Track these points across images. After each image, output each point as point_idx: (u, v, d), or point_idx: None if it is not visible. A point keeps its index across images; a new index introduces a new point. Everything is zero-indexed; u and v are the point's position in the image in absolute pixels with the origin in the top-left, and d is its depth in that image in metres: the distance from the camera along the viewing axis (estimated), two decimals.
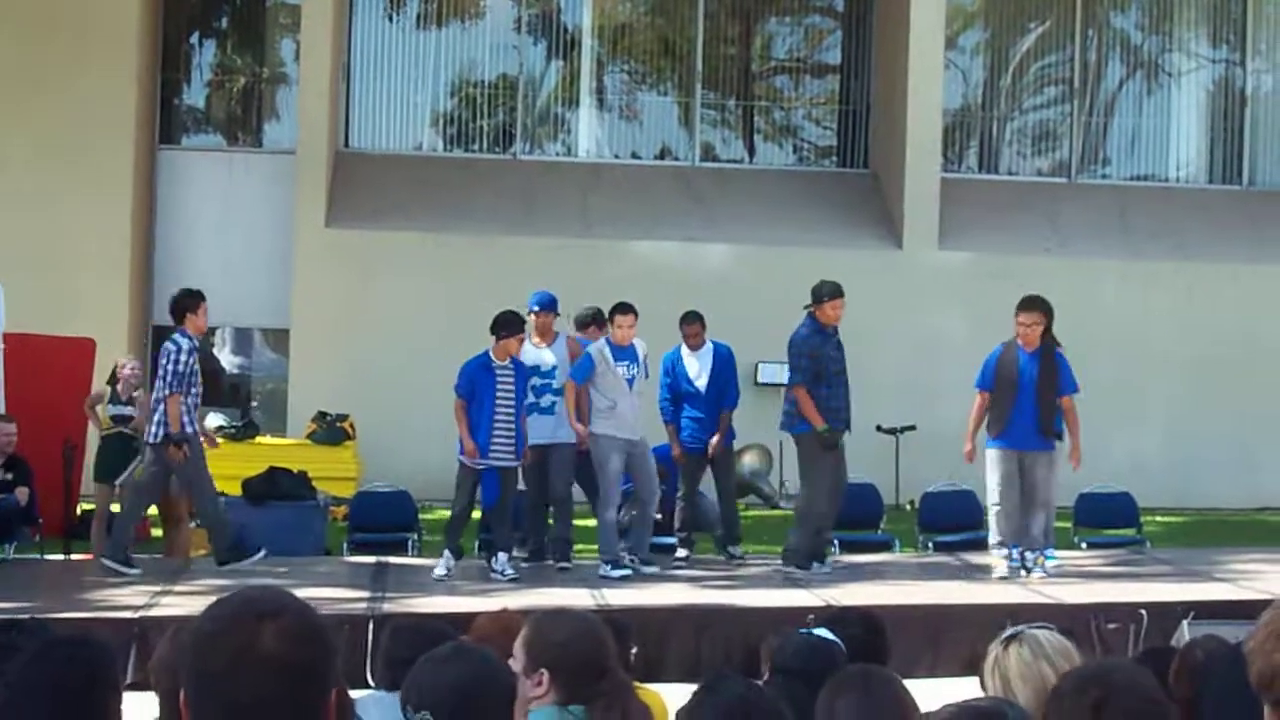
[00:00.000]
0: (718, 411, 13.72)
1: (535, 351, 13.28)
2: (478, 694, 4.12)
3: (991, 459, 12.93)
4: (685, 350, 13.77)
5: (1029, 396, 12.84)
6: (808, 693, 4.71)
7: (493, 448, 12.77)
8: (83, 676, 3.92)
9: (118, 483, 14.50)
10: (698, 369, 13.71)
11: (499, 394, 12.77)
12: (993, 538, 13.04)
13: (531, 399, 13.15)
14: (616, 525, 13.06)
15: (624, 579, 12.66)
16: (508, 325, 12.86)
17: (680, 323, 13.86)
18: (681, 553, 13.73)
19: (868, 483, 15.22)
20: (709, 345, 13.84)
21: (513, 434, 12.80)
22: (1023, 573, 12.83)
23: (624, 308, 13.25)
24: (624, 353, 13.13)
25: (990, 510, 13.06)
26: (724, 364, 13.82)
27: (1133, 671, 3.72)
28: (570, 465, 13.40)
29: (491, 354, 12.82)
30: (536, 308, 13.41)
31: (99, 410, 14.84)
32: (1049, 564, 13.18)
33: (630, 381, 13.07)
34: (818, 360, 13.06)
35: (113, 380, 14.92)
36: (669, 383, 13.81)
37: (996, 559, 12.96)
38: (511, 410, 12.79)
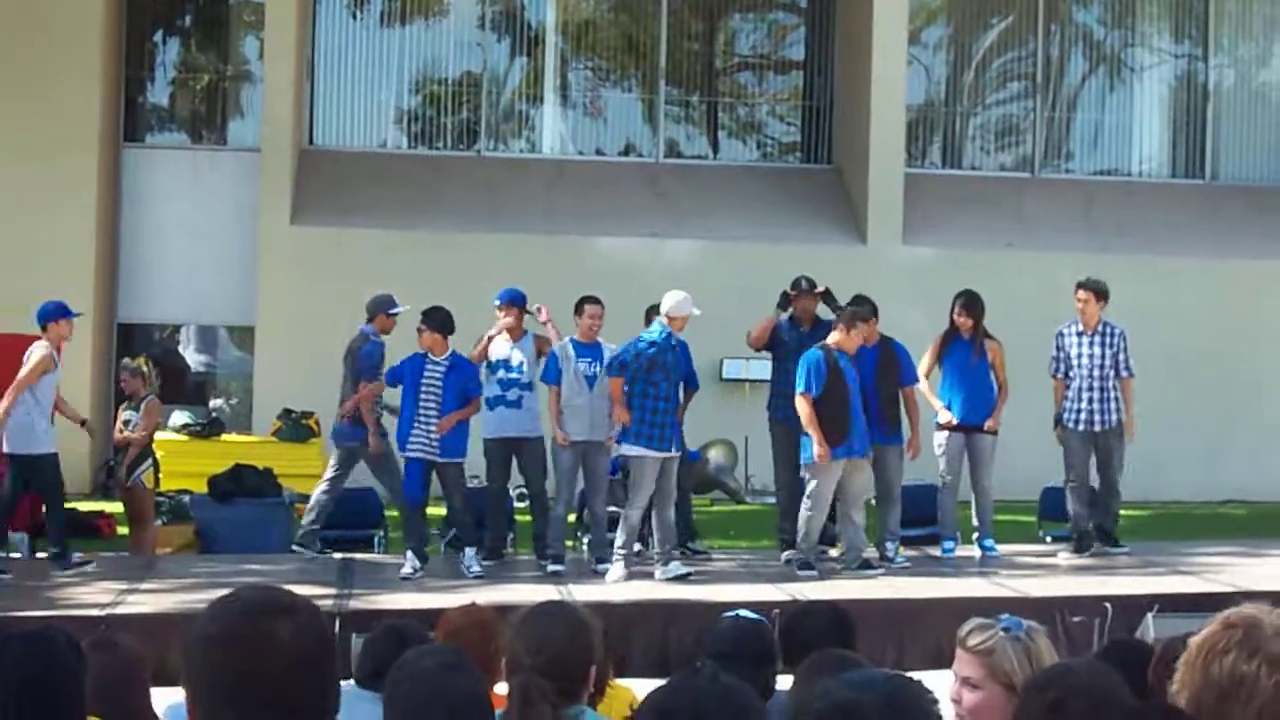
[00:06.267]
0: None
1: (504, 347, 13.22)
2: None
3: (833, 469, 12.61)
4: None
5: (858, 395, 12.62)
6: (750, 673, 4.70)
7: (412, 439, 12.69)
8: (39, 670, 3.94)
9: None
10: None
11: (423, 387, 12.66)
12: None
13: (499, 392, 13.08)
14: (563, 523, 13.07)
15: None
16: (427, 319, 12.79)
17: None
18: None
19: None
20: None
21: (432, 428, 12.59)
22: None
23: (592, 300, 13.23)
24: (588, 350, 13.03)
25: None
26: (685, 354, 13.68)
27: (1094, 671, 3.74)
28: (542, 460, 13.33)
29: (431, 348, 12.74)
30: (501, 302, 13.33)
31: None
32: (990, 555, 13.60)
33: (590, 380, 12.91)
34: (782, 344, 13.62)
35: None
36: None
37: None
38: (434, 405, 12.62)
